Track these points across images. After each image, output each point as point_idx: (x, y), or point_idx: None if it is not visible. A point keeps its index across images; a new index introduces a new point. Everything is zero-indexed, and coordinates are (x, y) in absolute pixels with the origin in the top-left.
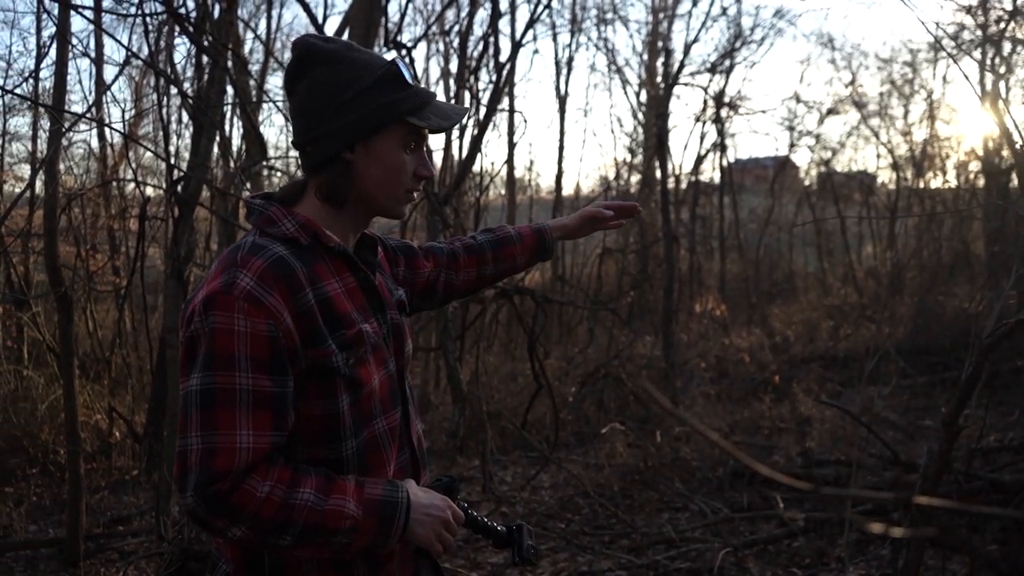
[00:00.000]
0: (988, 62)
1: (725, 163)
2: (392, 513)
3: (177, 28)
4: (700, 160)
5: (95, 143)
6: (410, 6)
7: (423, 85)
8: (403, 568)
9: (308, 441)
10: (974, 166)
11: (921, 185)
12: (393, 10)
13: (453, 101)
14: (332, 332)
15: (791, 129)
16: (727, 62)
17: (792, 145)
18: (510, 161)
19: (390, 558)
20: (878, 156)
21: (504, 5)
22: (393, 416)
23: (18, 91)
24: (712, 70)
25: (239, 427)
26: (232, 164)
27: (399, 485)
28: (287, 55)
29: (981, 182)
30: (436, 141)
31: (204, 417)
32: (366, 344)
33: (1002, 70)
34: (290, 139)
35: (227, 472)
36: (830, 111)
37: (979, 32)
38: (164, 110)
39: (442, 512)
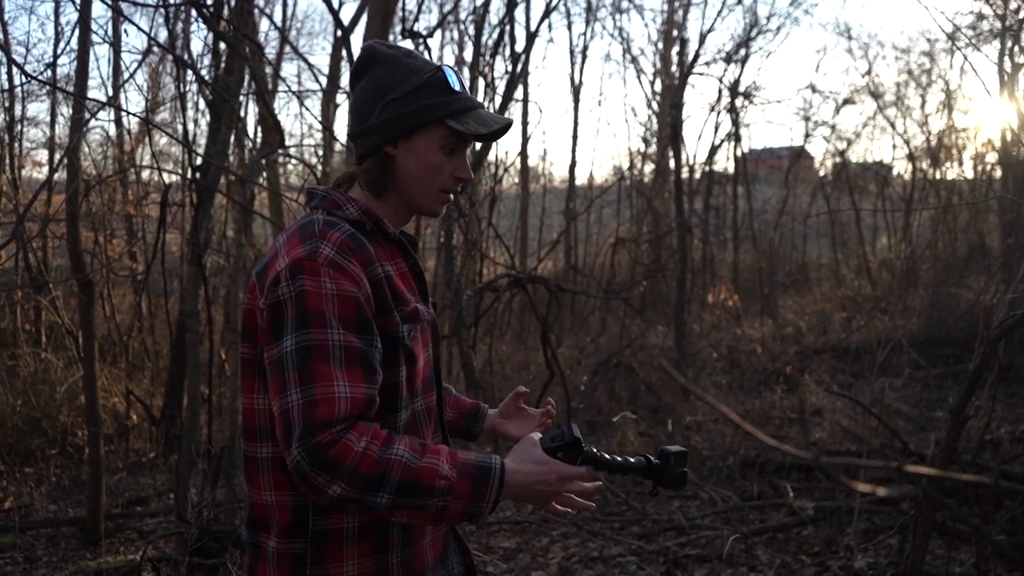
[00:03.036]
0: (1006, 52)
1: (739, 153)
2: (486, 477)
3: (195, 15)
4: (714, 150)
5: (112, 130)
6: None
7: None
8: (434, 546)
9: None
10: (991, 157)
11: (937, 176)
12: None
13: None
14: (396, 305)
15: (806, 119)
16: (743, 51)
17: (807, 135)
18: (524, 151)
19: (422, 535)
20: (894, 147)
21: None
22: (431, 397)
23: (38, 77)
24: (728, 59)
25: (336, 379)
26: (248, 152)
27: (492, 455)
28: (302, 43)
29: (998, 173)
30: None
31: (301, 373)
32: (421, 321)
33: (1020, 60)
34: (305, 127)
35: (328, 421)
36: (846, 101)
37: (997, 22)
38: (182, 97)
39: (544, 473)
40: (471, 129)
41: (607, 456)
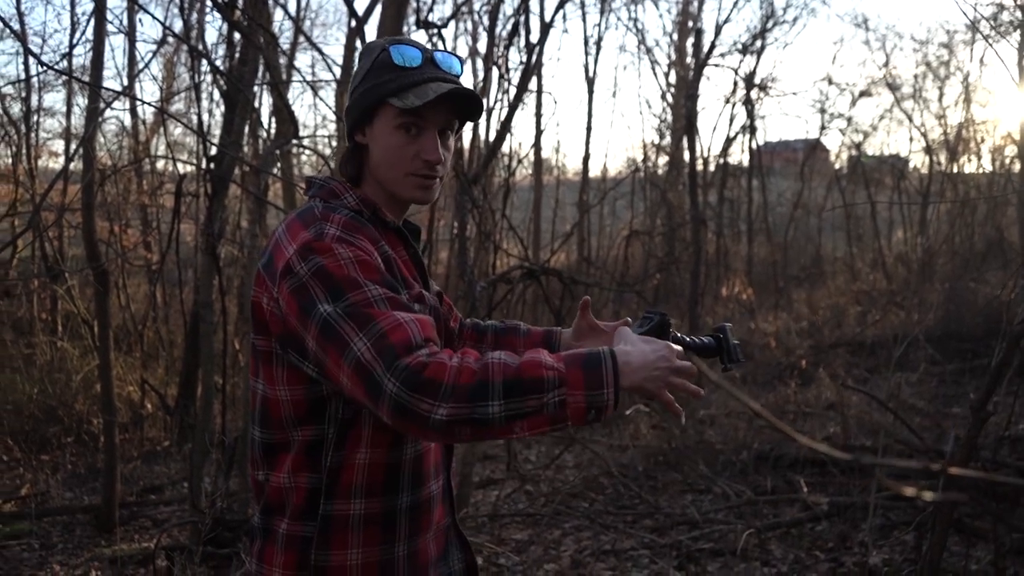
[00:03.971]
0: None
1: (754, 145)
2: (596, 361)
3: (210, 5)
4: (729, 142)
5: (127, 120)
6: None
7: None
8: (436, 540)
9: None
10: (1010, 151)
11: (955, 170)
12: None
13: (481, 82)
14: (403, 286)
15: (822, 111)
16: (759, 43)
17: (823, 128)
18: (538, 142)
19: (427, 526)
20: (911, 140)
21: None
22: None
23: (55, 67)
24: (743, 51)
25: (392, 313)
26: (262, 142)
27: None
28: (317, 33)
29: (1017, 167)
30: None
31: (356, 322)
32: (427, 304)
33: None
34: (319, 118)
35: (407, 343)
36: (863, 93)
37: (1018, 13)
38: (197, 87)
39: (654, 351)
40: (408, 103)
41: (687, 337)
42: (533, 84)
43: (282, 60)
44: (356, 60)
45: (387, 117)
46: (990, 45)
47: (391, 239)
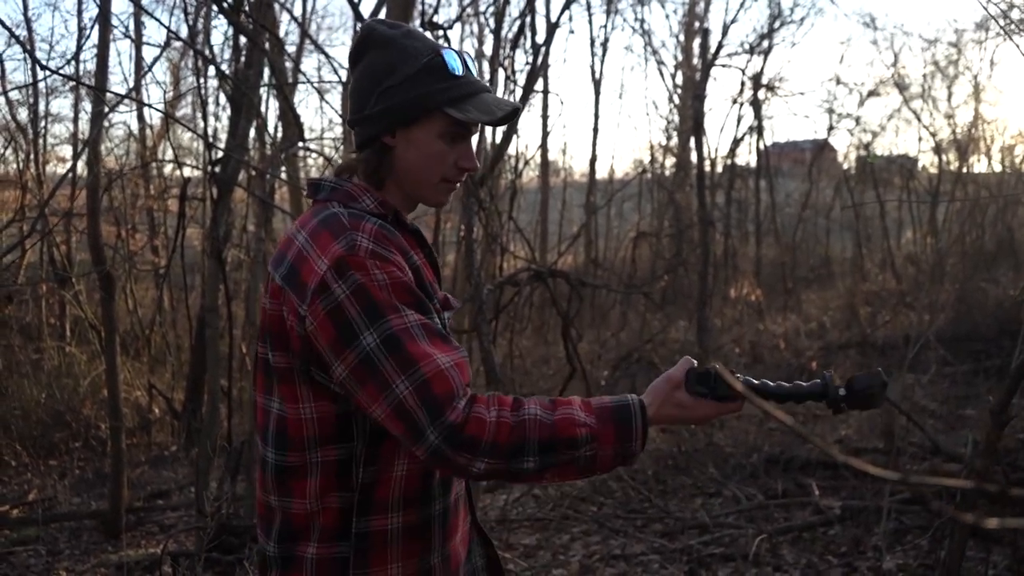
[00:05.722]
0: None
1: (762, 146)
2: (627, 415)
3: (215, 9)
4: (737, 143)
5: (134, 124)
6: None
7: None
8: (463, 541)
9: None
10: (1020, 150)
11: (964, 170)
12: None
13: (488, 83)
14: (428, 295)
15: (830, 112)
16: (766, 43)
17: (831, 128)
18: (544, 144)
19: (456, 530)
20: (920, 139)
21: None
22: None
23: (61, 72)
24: (750, 51)
25: (433, 354)
26: (268, 146)
27: (627, 395)
28: (323, 37)
29: None
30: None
31: (399, 361)
32: (451, 308)
33: None
34: (325, 121)
35: (450, 394)
36: (871, 93)
37: None
38: (202, 91)
39: (684, 416)
40: (472, 117)
41: (771, 384)
42: (539, 85)
43: (288, 64)
44: (361, 49)
45: (435, 124)
46: (1009, 37)
47: (410, 242)
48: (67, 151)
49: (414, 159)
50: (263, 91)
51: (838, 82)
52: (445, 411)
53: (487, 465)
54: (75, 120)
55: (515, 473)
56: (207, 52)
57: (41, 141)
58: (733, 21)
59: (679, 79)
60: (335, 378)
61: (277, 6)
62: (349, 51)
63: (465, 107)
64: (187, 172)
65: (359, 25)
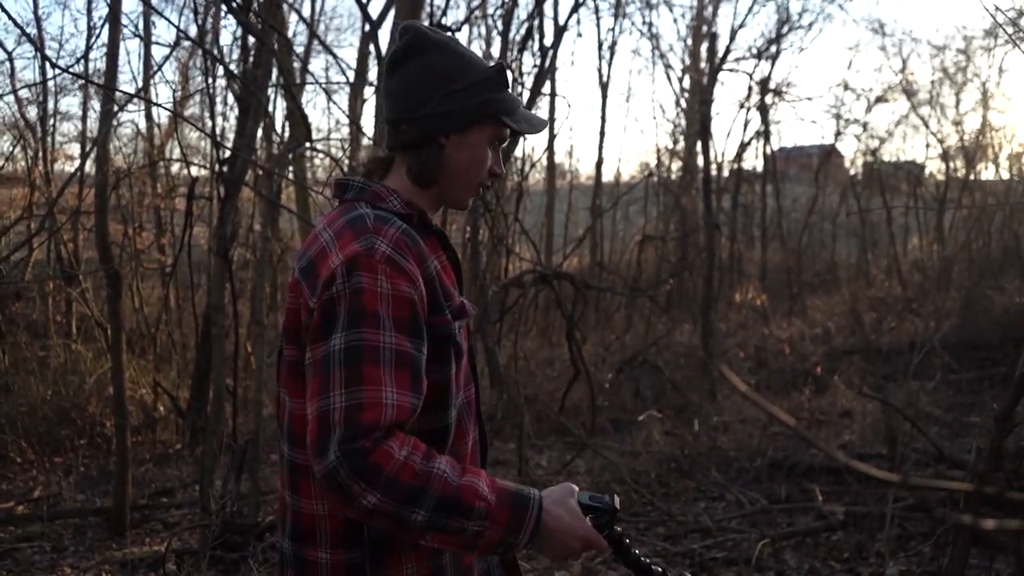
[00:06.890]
0: None
1: (769, 151)
2: (524, 506)
3: (224, 9)
4: (743, 147)
5: (142, 123)
6: None
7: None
8: (479, 560)
9: (423, 409)
10: None
11: (972, 177)
12: None
13: None
14: (446, 301)
15: (838, 117)
16: (774, 48)
17: (838, 133)
18: (551, 146)
19: None
20: (927, 146)
21: None
22: (470, 390)
23: (71, 70)
24: (758, 56)
25: (384, 383)
26: (275, 146)
27: (530, 487)
28: (331, 38)
29: None
30: None
31: (349, 374)
32: (467, 315)
33: None
34: (332, 121)
35: (373, 426)
36: (879, 99)
37: None
38: (211, 91)
39: (574, 528)
40: (524, 128)
41: (635, 552)
42: (547, 88)
43: (296, 64)
44: (416, 48)
45: (488, 130)
46: (1017, 45)
47: (432, 244)
48: (76, 149)
49: (464, 161)
50: (271, 91)
51: (846, 88)
52: (359, 438)
53: (378, 502)
54: (84, 118)
55: (400, 521)
56: (216, 52)
57: (50, 139)
58: (741, 26)
59: (686, 83)
60: (306, 360)
61: (286, 6)
62: (394, 50)
63: (517, 118)
64: (194, 171)
65: (400, 26)
